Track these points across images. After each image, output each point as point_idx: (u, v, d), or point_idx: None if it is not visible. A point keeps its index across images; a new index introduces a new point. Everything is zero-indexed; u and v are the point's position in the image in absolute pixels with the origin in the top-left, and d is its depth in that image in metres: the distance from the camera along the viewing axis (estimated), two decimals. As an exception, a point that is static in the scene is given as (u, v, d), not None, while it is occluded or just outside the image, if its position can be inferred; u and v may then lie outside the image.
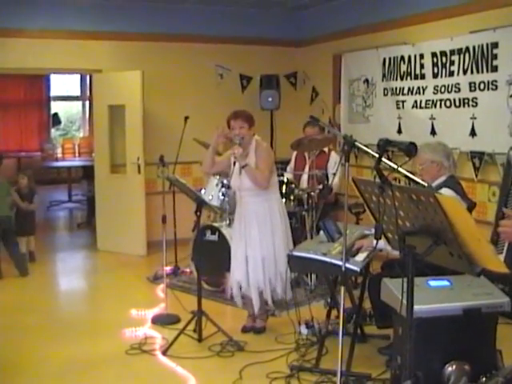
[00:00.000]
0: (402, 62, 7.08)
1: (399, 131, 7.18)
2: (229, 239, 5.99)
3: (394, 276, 3.88)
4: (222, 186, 6.48)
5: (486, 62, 5.92)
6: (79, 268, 7.92)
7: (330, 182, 6.57)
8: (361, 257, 4.28)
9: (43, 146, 15.48)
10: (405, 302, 2.98)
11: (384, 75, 7.39)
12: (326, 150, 7.01)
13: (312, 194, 6.50)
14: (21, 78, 14.56)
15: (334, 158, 6.99)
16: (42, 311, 6.00)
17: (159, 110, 8.44)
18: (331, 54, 8.52)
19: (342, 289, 3.67)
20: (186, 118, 7.15)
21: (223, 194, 6.47)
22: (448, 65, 6.39)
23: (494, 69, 5.83)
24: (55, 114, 16.02)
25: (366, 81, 7.77)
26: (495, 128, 5.89)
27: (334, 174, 6.13)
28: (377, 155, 3.10)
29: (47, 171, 14.42)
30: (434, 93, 6.59)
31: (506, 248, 3.15)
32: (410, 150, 3.09)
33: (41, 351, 4.95)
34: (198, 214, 5.13)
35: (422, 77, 6.77)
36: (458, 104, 6.30)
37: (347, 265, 3.83)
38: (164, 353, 4.83)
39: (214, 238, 6.26)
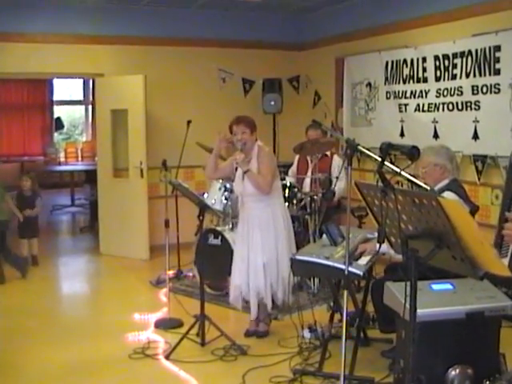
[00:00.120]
0: (404, 66, 7.08)
1: (402, 134, 7.17)
2: (231, 243, 5.99)
3: (396, 280, 3.87)
4: (225, 190, 6.48)
5: (488, 66, 5.91)
6: (82, 272, 7.92)
7: (333, 186, 6.57)
8: (364, 260, 4.27)
9: (46, 150, 15.51)
10: (408, 305, 2.97)
11: (386, 78, 7.40)
12: (328, 153, 7.01)
13: (315, 197, 6.49)
14: (24, 82, 14.60)
15: (337, 161, 6.99)
16: (45, 315, 6.00)
17: (162, 114, 8.45)
18: (334, 58, 8.53)
19: (345, 292, 3.67)
20: (189, 122, 7.15)
21: (226, 198, 6.48)
22: (450, 68, 6.39)
23: (497, 72, 5.83)
24: (58, 118, 16.05)
25: (369, 84, 7.77)
26: (498, 131, 5.88)
27: (337, 178, 6.13)
28: (379, 159, 3.10)
29: (50, 175, 14.46)
30: (437, 96, 6.59)
31: (510, 251, 3.14)
32: (413, 153, 3.08)
33: (43, 355, 4.95)
34: (201, 218, 5.14)
35: (425, 80, 6.76)
36: (460, 107, 6.30)
37: (350, 268, 3.83)
38: (167, 357, 4.83)
39: (217, 242, 6.26)
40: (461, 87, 6.26)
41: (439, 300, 3.79)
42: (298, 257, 4.33)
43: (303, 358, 4.76)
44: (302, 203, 6.56)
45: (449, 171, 4.54)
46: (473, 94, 6.12)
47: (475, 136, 6.14)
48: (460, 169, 4.99)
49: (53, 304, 6.50)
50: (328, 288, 5.86)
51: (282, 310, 5.53)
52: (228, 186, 6.42)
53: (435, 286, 3.93)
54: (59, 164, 15.45)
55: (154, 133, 8.17)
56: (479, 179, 6.15)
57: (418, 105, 6.88)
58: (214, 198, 6.51)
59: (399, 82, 7.18)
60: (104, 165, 8.47)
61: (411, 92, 6.99)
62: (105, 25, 8.19)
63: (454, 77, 6.36)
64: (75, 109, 17.40)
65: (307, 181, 6.96)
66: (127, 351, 4.96)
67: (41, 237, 8.16)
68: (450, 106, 6.42)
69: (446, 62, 6.44)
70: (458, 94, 6.31)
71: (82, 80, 15.61)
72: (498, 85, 5.83)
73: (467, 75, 6.18)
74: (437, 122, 6.62)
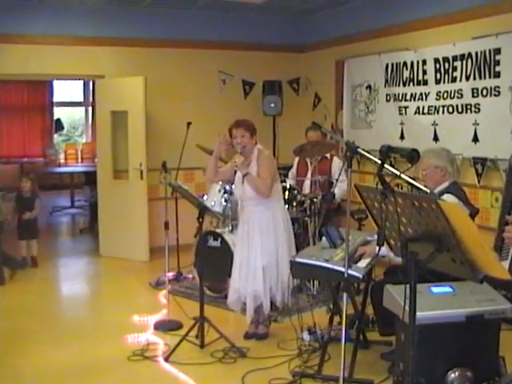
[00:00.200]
0: (404, 68, 7.08)
1: (402, 137, 7.17)
2: (231, 245, 5.99)
3: (396, 282, 3.87)
4: (225, 192, 6.48)
5: (488, 68, 5.91)
6: (81, 273, 7.91)
7: (333, 188, 6.56)
8: (363, 263, 4.27)
9: (46, 151, 15.51)
10: (407, 308, 2.97)
11: (387, 81, 7.40)
12: (328, 155, 7.00)
13: (315, 199, 6.49)
14: (24, 83, 14.60)
15: (337, 163, 6.98)
16: (44, 316, 5.99)
17: (162, 116, 8.45)
18: (334, 60, 8.53)
19: (345, 295, 3.67)
20: (189, 124, 7.14)
21: (226, 200, 6.47)
22: (450, 71, 6.39)
23: (497, 75, 5.83)
24: (58, 120, 16.05)
25: (369, 86, 7.77)
26: (498, 134, 5.88)
27: (337, 180, 6.12)
28: (379, 161, 3.10)
29: (50, 177, 14.44)
30: (437, 99, 6.59)
31: (511, 254, 3.14)
32: (413, 156, 3.09)
33: (42, 356, 4.95)
34: (201, 220, 5.14)
35: (425, 83, 6.76)
36: (460, 110, 6.30)
37: (350, 271, 3.83)
38: (166, 359, 4.82)
39: (217, 243, 6.26)
40: (461, 90, 6.26)
41: (439, 303, 3.79)
42: (298, 259, 4.33)
43: (302, 361, 4.75)
44: (302, 205, 6.55)
45: (449, 174, 4.54)
46: (473, 96, 6.12)
47: (475, 139, 6.14)
48: (460, 171, 5.00)
49: (52, 305, 6.49)
50: (327, 290, 5.86)
51: (281, 312, 5.53)
52: (228, 188, 6.42)
53: (435, 289, 3.93)
54: (59, 165, 15.44)
55: (153, 134, 8.17)
56: (479, 182, 6.15)
57: (418, 107, 6.88)
58: (214, 199, 6.51)
59: (399, 85, 7.18)
60: (104, 166, 8.47)
61: (411, 94, 6.99)
62: (105, 26, 8.19)
63: (454, 79, 6.36)
64: (75, 110, 17.40)
65: (307, 183, 6.96)
66: (126, 353, 4.96)
67: (40, 238, 8.17)
68: (450, 109, 6.42)
69: (446, 65, 6.44)
70: (458, 97, 6.31)
71: (82, 81, 15.62)
72: (498, 87, 5.83)
73: (467, 78, 6.18)
74: (437, 124, 6.62)
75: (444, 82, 6.50)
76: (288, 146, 7.57)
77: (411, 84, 6.98)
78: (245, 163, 4.97)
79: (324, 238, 4.62)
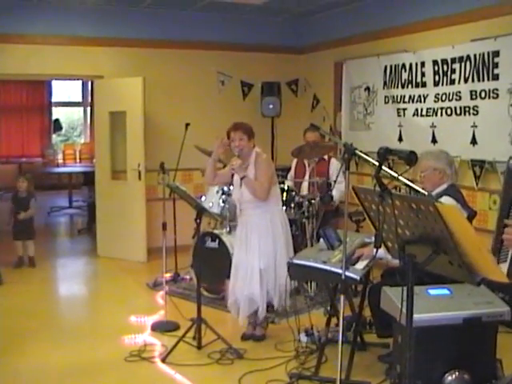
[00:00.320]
0: (403, 70, 7.09)
1: (400, 139, 7.18)
2: (229, 246, 5.99)
3: (394, 284, 3.87)
4: (223, 193, 6.48)
5: (487, 71, 5.92)
6: (79, 274, 7.90)
7: (331, 190, 6.56)
8: (361, 265, 4.27)
9: (44, 151, 15.52)
10: (404, 310, 2.97)
11: (385, 83, 7.40)
12: (325, 157, 7.00)
13: (312, 201, 6.49)
14: (22, 83, 14.61)
15: (335, 164, 6.97)
16: (42, 317, 5.98)
17: (160, 117, 8.45)
18: (332, 62, 8.53)
19: (342, 297, 3.66)
20: (187, 125, 7.15)
21: (223, 201, 6.47)
22: (449, 73, 6.40)
23: (495, 77, 5.84)
24: (56, 120, 16.06)
25: (367, 88, 7.78)
26: (496, 136, 5.88)
27: (335, 182, 6.11)
28: (377, 163, 3.10)
29: (48, 177, 14.44)
30: (435, 101, 6.59)
31: (510, 256, 3.13)
32: (411, 158, 3.08)
33: (40, 356, 4.94)
34: (198, 221, 5.14)
35: (423, 85, 6.77)
36: (458, 112, 6.30)
37: (347, 273, 3.83)
38: (163, 360, 4.82)
39: (214, 245, 6.26)
40: (459, 92, 6.27)
41: (436, 305, 3.79)
42: (295, 261, 4.33)
43: (300, 362, 4.75)
44: (300, 207, 6.55)
45: (447, 176, 4.54)
46: (471, 99, 6.12)
47: (473, 141, 6.14)
48: (458, 174, 5.00)
49: (50, 306, 6.48)
50: (325, 292, 5.86)
51: (278, 313, 5.52)
52: (226, 189, 6.42)
53: (432, 291, 3.93)
54: (57, 166, 15.45)
55: (152, 135, 8.17)
56: (477, 184, 6.15)
57: (417, 109, 6.88)
58: (212, 201, 6.51)
59: (398, 87, 7.19)
60: (102, 167, 8.47)
61: (410, 96, 6.99)
62: (104, 27, 8.19)
63: (452, 82, 6.36)
64: (74, 110, 17.41)
65: (305, 184, 6.95)
66: (123, 354, 4.95)
67: (38, 238, 8.17)
68: (449, 111, 6.43)
69: (445, 67, 6.44)
70: (456, 99, 6.32)
71: (80, 82, 15.62)
72: (497, 90, 5.83)
73: (466, 80, 6.18)
74: (435, 126, 6.62)
75: (442, 84, 6.50)
76: (286, 147, 7.58)
77: (410, 86, 6.98)
78: (242, 166, 4.97)
79: (322, 240, 4.62)
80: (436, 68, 6.57)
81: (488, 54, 5.89)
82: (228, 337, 5.09)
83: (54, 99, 15.87)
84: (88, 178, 10.71)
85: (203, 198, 6.55)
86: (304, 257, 4.37)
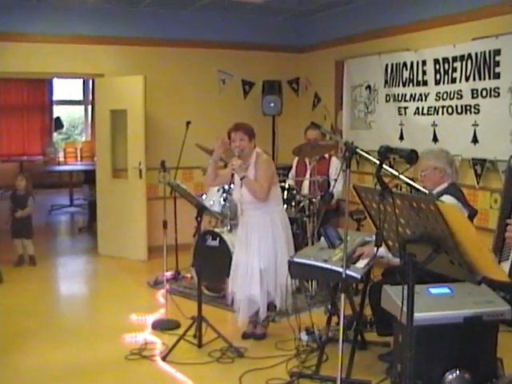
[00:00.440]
0: (404, 69, 7.08)
1: (401, 138, 7.17)
2: (230, 245, 5.99)
3: (394, 283, 3.87)
4: (224, 192, 6.48)
5: (488, 69, 5.91)
6: (80, 272, 7.90)
7: (331, 188, 6.56)
8: (362, 264, 4.26)
9: (45, 149, 15.50)
10: (405, 309, 2.97)
11: (386, 81, 7.39)
12: (326, 155, 6.99)
13: (313, 200, 6.49)
14: (23, 81, 14.58)
15: (335, 163, 6.96)
16: (43, 315, 5.98)
17: (161, 115, 8.45)
18: (334, 60, 8.53)
19: (343, 296, 3.66)
20: (188, 123, 7.14)
21: (224, 200, 6.47)
22: (450, 71, 6.39)
23: (497, 76, 5.83)
24: (57, 118, 16.04)
25: (369, 87, 7.77)
26: (497, 135, 5.88)
27: (336, 180, 6.11)
28: (378, 162, 3.09)
29: (49, 175, 14.46)
30: (436, 99, 6.59)
31: (512, 255, 3.13)
32: (411, 157, 3.08)
33: (40, 355, 4.94)
34: (199, 219, 5.13)
35: (425, 83, 6.76)
36: (460, 111, 6.29)
37: (348, 271, 3.82)
38: (164, 358, 4.82)
39: (215, 243, 6.25)
40: (460, 91, 6.26)
41: (437, 304, 3.79)
42: (296, 259, 4.33)
43: (300, 361, 4.75)
44: (301, 205, 6.55)
45: (448, 175, 4.54)
46: (472, 97, 6.12)
47: (474, 140, 6.14)
48: (459, 173, 4.99)
49: (50, 304, 6.49)
50: (326, 291, 5.86)
51: (279, 312, 5.52)
52: (227, 187, 6.42)
53: (433, 290, 3.92)
54: (58, 164, 15.44)
55: (153, 134, 8.16)
56: (478, 183, 6.14)
57: (418, 108, 6.88)
58: (213, 199, 6.51)
59: (399, 85, 7.18)
60: (103, 165, 8.47)
61: (411, 95, 6.98)
62: (105, 25, 8.19)
63: (453, 80, 6.36)
64: (75, 109, 17.39)
65: (306, 183, 6.95)
66: (124, 352, 4.95)
67: (39, 237, 8.18)
68: (450, 110, 6.42)
69: (446, 66, 6.44)
70: (457, 98, 6.31)
71: (81, 80, 15.61)
72: (498, 89, 5.82)
73: (467, 79, 6.18)
74: (436, 125, 6.62)
75: (444, 83, 6.49)
76: (287, 146, 7.58)
77: (411, 85, 6.97)
78: (242, 166, 4.95)
79: (322, 239, 4.62)
80: (437, 67, 6.56)
81: (489, 52, 5.88)
82: (228, 335, 5.09)
83: (55, 97, 15.86)
84: (89, 177, 10.70)
85: (204, 197, 6.56)
86: (305, 255, 4.36)
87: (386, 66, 7.36)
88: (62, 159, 15.86)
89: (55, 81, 15.49)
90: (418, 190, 4.39)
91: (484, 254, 2.68)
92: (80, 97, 16.49)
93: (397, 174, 3.92)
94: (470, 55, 6.11)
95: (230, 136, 5.07)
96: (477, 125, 6.10)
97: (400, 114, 7.17)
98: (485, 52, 5.93)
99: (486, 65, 5.92)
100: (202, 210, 5.21)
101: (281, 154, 8.77)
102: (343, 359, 3.66)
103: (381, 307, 4.04)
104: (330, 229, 4.66)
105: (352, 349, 4.49)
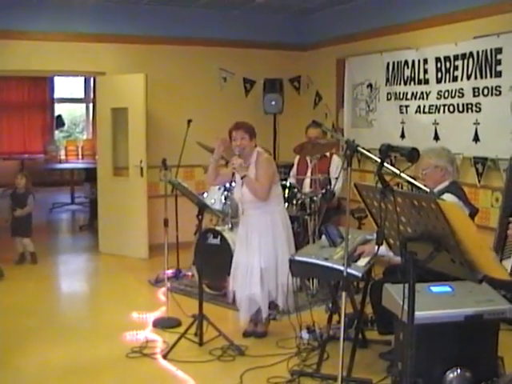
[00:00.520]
0: (405, 67, 7.07)
1: (402, 136, 7.17)
2: (231, 243, 5.99)
3: (395, 282, 3.86)
4: (225, 190, 6.48)
5: (489, 68, 5.90)
6: (81, 270, 7.91)
7: (332, 187, 6.56)
8: (363, 262, 4.27)
9: (47, 147, 15.52)
10: (406, 307, 2.96)
11: (388, 80, 7.39)
12: (327, 154, 6.99)
13: (314, 198, 6.48)
14: (25, 79, 14.60)
15: (336, 161, 6.97)
16: (44, 313, 5.99)
17: (162, 113, 8.44)
18: (335, 59, 8.52)
19: (344, 294, 3.66)
20: (189, 122, 7.13)
21: (225, 198, 6.47)
22: (452, 70, 6.38)
23: (498, 74, 5.82)
24: (59, 116, 16.05)
25: (370, 85, 7.76)
26: (498, 133, 5.87)
27: (337, 179, 6.10)
28: (379, 160, 3.09)
29: (50, 173, 14.47)
30: (438, 98, 6.58)
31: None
32: (412, 155, 3.07)
33: (41, 353, 4.94)
34: (200, 217, 5.13)
35: (426, 82, 6.75)
36: (461, 109, 6.29)
37: (349, 270, 3.82)
38: (165, 356, 4.82)
39: (216, 241, 6.25)
40: (462, 89, 6.25)
41: (438, 302, 3.78)
42: (297, 257, 4.32)
43: (301, 359, 4.75)
44: (302, 204, 6.55)
45: (449, 173, 4.53)
46: (474, 96, 6.11)
47: (476, 138, 6.13)
48: (460, 171, 4.99)
49: (51, 302, 6.49)
50: (327, 289, 5.85)
51: (280, 310, 5.52)
52: (227, 186, 6.41)
53: (434, 289, 3.92)
54: (59, 162, 15.46)
55: (154, 132, 8.16)
56: (479, 181, 6.14)
57: (419, 106, 6.87)
58: (214, 197, 6.51)
59: (400, 84, 7.17)
60: (104, 163, 8.47)
61: (412, 93, 6.98)
62: (106, 23, 8.18)
63: (455, 79, 6.35)
64: (76, 107, 17.41)
65: (307, 181, 6.95)
66: (125, 350, 4.95)
67: (40, 235, 8.19)
68: (451, 108, 6.41)
69: (448, 64, 6.43)
70: (459, 96, 6.30)
71: (83, 78, 15.62)
72: (499, 87, 5.82)
73: (468, 77, 6.17)
74: (437, 123, 6.61)
75: (445, 82, 6.48)
76: (288, 144, 7.57)
77: (412, 83, 6.97)
78: (243, 165, 4.95)
79: (324, 237, 4.61)
80: (439, 65, 6.55)
81: (491, 51, 5.87)
82: (229, 333, 5.09)
83: (57, 95, 15.88)
84: (90, 175, 10.69)
85: (205, 195, 6.56)
86: (306, 254, 4.36)
87: (388, 64, 7.35)
88: (63, 157, 15.88)
89: (56, 79, 15.51)
90: (419, 188, 4.39)
91: (485, 253, 2.68)
92: (81, 95, 16.50)
93: (398, 172, 3.92)
94: (471, 53, 6.11)
95: (231, 135, 5.06)
96: (478, 123, 6.10)
97: (401, 113, 7.16)
98: (486, 50, 5.92)
99: (488, 63, 5.91)
100: (203, 208, 5.21)
101: (282, 153, 8.76)
102: (344, 357, 3.65)
103: (382, 305, 4.04)
104: (331, 227, 4.65)
105: (353, 347, 4.48)
